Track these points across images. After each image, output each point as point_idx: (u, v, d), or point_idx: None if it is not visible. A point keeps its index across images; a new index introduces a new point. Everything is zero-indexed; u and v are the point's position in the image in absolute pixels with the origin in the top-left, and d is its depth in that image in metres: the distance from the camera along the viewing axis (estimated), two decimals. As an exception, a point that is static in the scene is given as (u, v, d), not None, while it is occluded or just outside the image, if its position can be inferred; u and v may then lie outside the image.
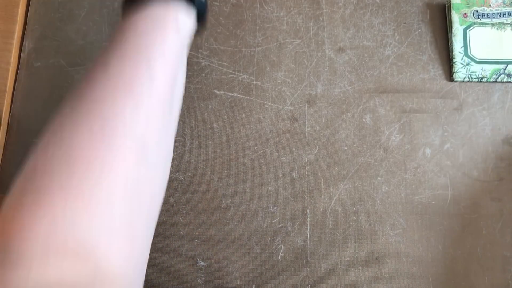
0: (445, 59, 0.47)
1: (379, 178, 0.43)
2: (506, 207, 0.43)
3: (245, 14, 0.47)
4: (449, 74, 0.46)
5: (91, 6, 0.49)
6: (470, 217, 0.42)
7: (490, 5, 0.48)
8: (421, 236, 0.42)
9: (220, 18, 0.46)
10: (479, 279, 0.41)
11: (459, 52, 0.47)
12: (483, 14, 0.47)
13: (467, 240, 0.42)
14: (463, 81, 0.46)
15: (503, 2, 0.48)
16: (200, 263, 0.41)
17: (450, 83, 0.46)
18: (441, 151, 0.45)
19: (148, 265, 0.38)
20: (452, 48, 0.47)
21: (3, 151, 0.44)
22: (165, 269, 0.41)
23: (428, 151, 0.45)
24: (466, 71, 0.46)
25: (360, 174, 0.43)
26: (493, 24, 0.47)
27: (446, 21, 0.47)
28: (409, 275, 0.41)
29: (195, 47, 0.46)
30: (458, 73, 0.46)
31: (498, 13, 0.47)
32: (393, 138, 0.44)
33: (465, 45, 0.47)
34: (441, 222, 0.42)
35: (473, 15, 0.47)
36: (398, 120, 0.45)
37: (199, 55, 0.46)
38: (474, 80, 0.46)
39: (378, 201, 0.43)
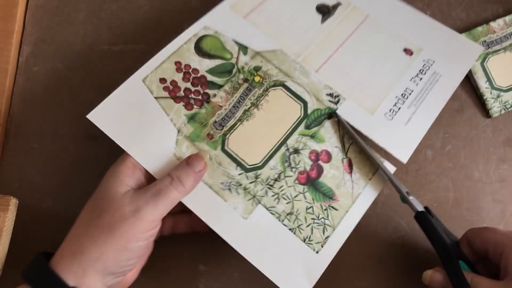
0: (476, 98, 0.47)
1: (380, 181, 0.43)
2: (508, 209, 0.43)
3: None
4: (485, 112, 0.47)
5: (89, 10, 0.48)
6: (472, 219, 0.42)
7: (494, 31, 0.48)
8: (423, 239, 0.42)
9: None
10: (482, 282, 0.40)
11: (486, 87, 0.46)
12: (491, 42, 0.48)
13: (469, 242, 0.41)
14: (500, 114, 0.46)
15: (505, 24, 0.48)
16: (201, 267, 0.41)
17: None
18: (443, 152, 0.44)
19: (148, 270, 0.37)
20: (478, 86, 0.47)
21: (1, 156, 0.44)
22: (166, 274, 0.41)
23: (429, 152, 0.44)
24: (500, 104, 0.46)
25: (361, 176, 0.43)
26: (504, 48, 0.48)
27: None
28: (412, 278, 0.40)
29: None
30: (493, 109, 0.46)
31: (505, 36, 0.48)
32: (394, 140, 0.44)
33: (488, 78, 0.46)
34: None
35: (483, 46, 0.47)
36: (399, 122, 0.44)
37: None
38: (510, 109, 0.46)
39: (380, 204, 0.43)
